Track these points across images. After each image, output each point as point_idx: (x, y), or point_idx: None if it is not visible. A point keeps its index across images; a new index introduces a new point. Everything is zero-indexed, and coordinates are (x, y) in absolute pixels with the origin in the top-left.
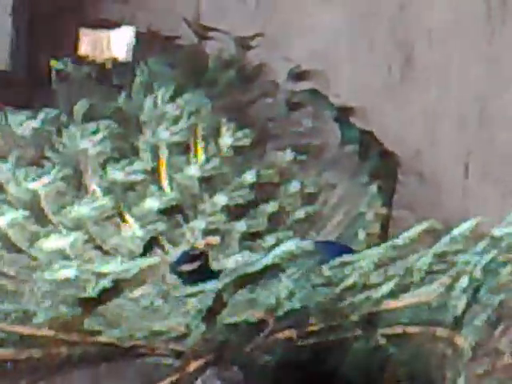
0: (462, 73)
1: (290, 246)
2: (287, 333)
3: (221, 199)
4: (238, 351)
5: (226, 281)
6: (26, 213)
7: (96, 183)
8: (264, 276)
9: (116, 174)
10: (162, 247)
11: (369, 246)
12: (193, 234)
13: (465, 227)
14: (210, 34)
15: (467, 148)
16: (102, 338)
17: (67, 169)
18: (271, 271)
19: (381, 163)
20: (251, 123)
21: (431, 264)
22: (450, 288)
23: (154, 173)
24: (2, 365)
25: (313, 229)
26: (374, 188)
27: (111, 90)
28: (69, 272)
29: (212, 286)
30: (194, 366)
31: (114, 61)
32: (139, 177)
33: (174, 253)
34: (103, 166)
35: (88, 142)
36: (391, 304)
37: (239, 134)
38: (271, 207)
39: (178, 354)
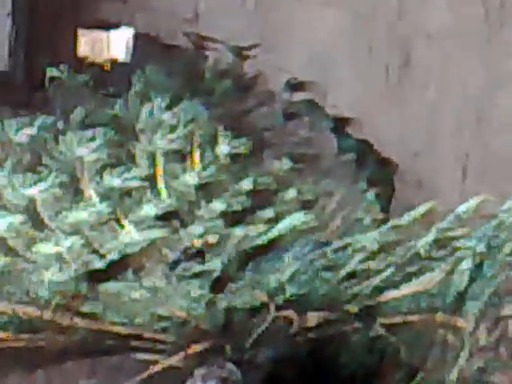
0: (460, 75)
1: (294, 218)
2: (288, 320)
3: (218, 206)
4: (238, 338)
5: (232, 254)
6: (23, 218)
7: (93, 189)
8: (268, 251)
9: (113, 180)
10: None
11: None
12: (190, 239)
13: (468, 205)
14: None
15: (465, 151)
16: (102, 325)
17: (64, 175)
18: (275, 247)
19: (378, 170)
20: (248, 132)
21: (435, 242)
22: (450, 272)
23: (151, 179)
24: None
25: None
26: (371, 194)
27: (108, 98)
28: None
29: (216, 262)
30: (193, 349)
31: (113, 62)
32: (136, 183)
33: (172, 252)
34: (100, 173)
35: (85, 149)
36: (391, 294)
37: (236, 142)
38: (268, 214)
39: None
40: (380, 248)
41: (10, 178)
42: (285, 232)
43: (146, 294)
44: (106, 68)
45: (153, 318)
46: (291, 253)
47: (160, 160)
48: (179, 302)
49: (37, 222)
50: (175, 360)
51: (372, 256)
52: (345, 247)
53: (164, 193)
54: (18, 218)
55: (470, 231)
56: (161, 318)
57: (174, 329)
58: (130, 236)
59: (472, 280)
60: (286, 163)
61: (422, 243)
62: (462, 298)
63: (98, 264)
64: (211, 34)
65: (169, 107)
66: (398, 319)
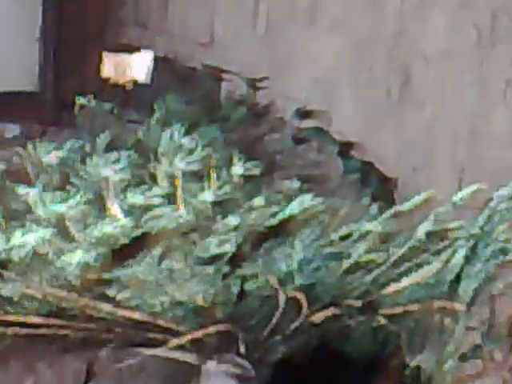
0: (455, 94)
1: (303, 200)
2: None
3: (232, 220)
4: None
5: (244, 234)
6: (53, 231)
7: (117, 206)
8: (280, 234)
9: (136, 197)
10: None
11: None
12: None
13: (463, 193)
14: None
15: (460, 165)
16: (122, 311)
17: (90, 193)
18: (286, 229)
19: (379, 187)
20: (260, 155)
21: (433, 233)
22: (447, 262)
23: (171, 198)
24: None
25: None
26: (374, 209)
27: (131, 124)
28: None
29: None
30: (210, 330)
31: (134, 82)
32: (157, 201)
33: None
34: (124, 192)
35: (110, 170)
36: (393, 287)
37: (249, 164)
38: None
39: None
40: (382, 238)
41: (41, 195)
42: (295, 213)
43: (166, 277)
44: (128, 88)
45: (171, 303)
46: (300, 239)
47: (179, 180)
48: (196, 286)
49: (65, 235)
50: (188, 356)
51: (374, 247)
52: (350, 234)
53: (183, 209)
54: (49, 232)
55: (465, 222)
56: (177, 303)
57: (188, 316)
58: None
59: (467, 263)
60: (295, 183)
61: (422, 231)
62: (457, 280)
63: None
64: (225, 56)
65: (187, 132)
66: (398, 309)
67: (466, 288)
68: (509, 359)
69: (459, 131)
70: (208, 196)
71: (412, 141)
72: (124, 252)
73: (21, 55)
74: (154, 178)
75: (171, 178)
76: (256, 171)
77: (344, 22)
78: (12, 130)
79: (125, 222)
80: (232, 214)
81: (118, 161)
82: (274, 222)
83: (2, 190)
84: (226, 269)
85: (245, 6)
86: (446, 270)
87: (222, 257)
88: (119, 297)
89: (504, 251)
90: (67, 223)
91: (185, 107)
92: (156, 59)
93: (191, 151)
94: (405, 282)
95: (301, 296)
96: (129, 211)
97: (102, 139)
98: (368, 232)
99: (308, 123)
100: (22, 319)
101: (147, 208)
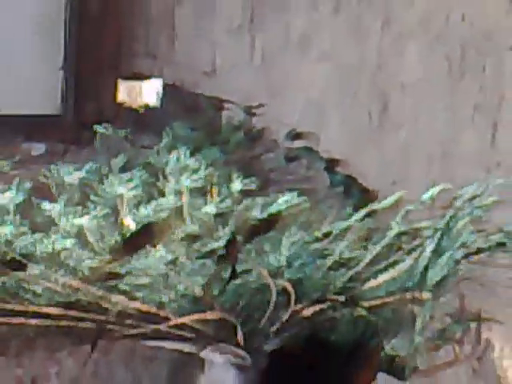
0: (429, 118)
1: (288, 198)
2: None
3: (232, 229)
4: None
5: (237, 225)
6: (74, 241)
7: (130, 219)
8: (270, 228)
9: (147, 211)
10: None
11: None
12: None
13: (430, 192)
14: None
15: (433, 180)
16: (133, 303)
17: (107, 208)
18: (275, 224)
19: (362, 198)
20: (256, 173)
21: (405, 233)
22: (418, 258)
23: (178, 211)
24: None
25: None
26: (362, 212)
27: (143, 149)
28: None
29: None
30: (209, 316)
31: (146, 106)
32: (166, 214)
33: None
34: (136, 206)
35: (124, 188)
36: (371, 283)
37: (246, 181)
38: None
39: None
40: (363, 236)
41: (63, 210)
42: (281, 210)
43: (170, 271)
44: (140, 111)
45: (175, 294)
46: (287, 235)
47: (185, 195)
48: (197, 279)
49: (84, 244)
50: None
51: (354, 245)
52: (331, 232)
53: (188, 220)
54: (70, 241)
55: (434, 221)
56: (181, 296)
57: (189, 307)
58: (160, 254)
59: (434, 257)
60: (287, 196)
61: (393, 231)
62: (425, 273)
63: None
64: (225, 84)
65: (192, 154)
66: (376, 302)
67: (432, 279)
68: (477, 349)
69: (432, 151)
70: (210, 209)
71: (391, 159)
72: (131, 245)
73: (45, 82)
74: (162, 194)
75: (178, 194)
76: (253, 186)
77: (331, 54)
78: (38, 148)
79: (141, 226)
80: (232, 223)
81: (131, 180)
82: (263, 215)
83: (28, 205)
84: (222, 260)
85: (243, 40)
86: (416, 265)
87: (217, 251)
88: (129, 288)
89: (466, 245)
90: (86, 234)
91: (190, 133)
92: (165, 86)
93: (195, 170)
94: (382, 277)
95: (290, 289)
96: (141, 223)
97: (117, 161)
98: (346, 229)
99: (298, 143)
100: (43, 310)
101: (157, 220)
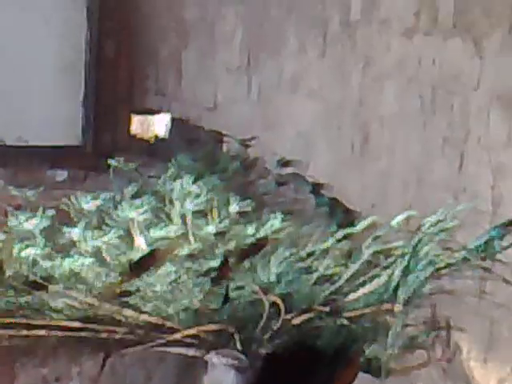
0: (404, 149)
1: (274, 222)
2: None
3: (231, 247)
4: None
5: (229, 249)
6: (92, 260)
7: (142, 239)
8: (259, 251)
9: (156, 233)
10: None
11: None
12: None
13: (398, 218)
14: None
15: (409, 203)
16: (137, 315)
17: (121, 231)
18: (264, 246)
19: (344, 218)
20: (251, 196)
21: (380, 252)
22: (392, 274)
23: (183, 231)
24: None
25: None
26: (340, 234)
27: (151, 178)
28: None
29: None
30: (210, 327)
31: (156, 137)
32: (172, 234)
33: None
34: (147, 229)
35: (135, 212)
36: (352, 296)
37: (243, 203)
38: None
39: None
40: (341, 253)
41: (82, 233)
42: (268, 234)
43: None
44: (151, 141)
45: (179, 308)
46: (275, 255)
47: (189, 218)
48: (197, 295)
49: (102, 263)
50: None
51: (335, 262)
52: (314, 252)
53: (192, 239)
54: (89, 260)
55: (404, 243)
56: (183, 309)
57: (191, 318)
58: (167, 270)
59: (404, 274)
60: (278, 216)
61: (368, 251)
62: (397, 289)
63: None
64: (225, 118)
65: (195, 182)
66: (356, 312)
67: (403, 293)
68: (447, 352)
69: (408, 177)
70: (211, 229)
71: (370, 184)
72: (140, 267)
73: (67, 117)
74: (169, 218)
75: (183, 216)
76: (248, 208)
77: (319, 92)
78: (61, 175)
79: (148, 252)
80: (230, 241)
81: (141, 205)
82: (252, 239)
83: (52, 229)
84: (218, 278)
85: (241, 80)
86: (390, 280)
87: (214, 270)
88: (138, 303)
89: (432, 264)
90: (103, 253)
91: (192, 163)
92: (172, 120)
93: (198, 196)
94: (361, 291)
95: (280, 302)
96: (151, 243)
97: (130, 190)
98: (326, 249)
99: (288, 170)
100: (64, 323)
101: (165, 239)
